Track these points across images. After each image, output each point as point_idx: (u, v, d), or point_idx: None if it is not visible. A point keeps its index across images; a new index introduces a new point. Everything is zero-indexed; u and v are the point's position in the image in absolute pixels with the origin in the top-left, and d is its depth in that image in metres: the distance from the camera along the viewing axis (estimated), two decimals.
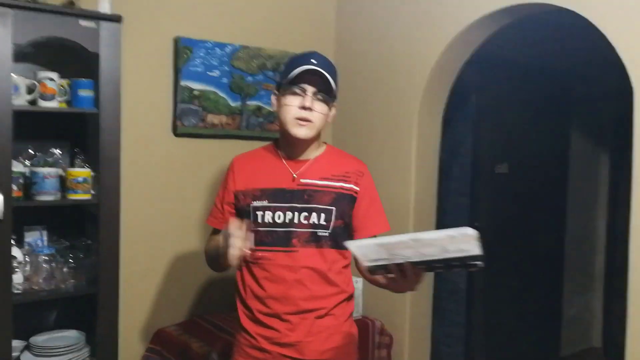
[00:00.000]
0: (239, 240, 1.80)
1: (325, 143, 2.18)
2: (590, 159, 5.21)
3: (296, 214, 2.01)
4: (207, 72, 3.19)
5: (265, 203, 2.02)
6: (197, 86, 3.15)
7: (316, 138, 2.08)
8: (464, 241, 1.43)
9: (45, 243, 2.70)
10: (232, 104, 3.28)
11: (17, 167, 2.50)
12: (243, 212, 2.07)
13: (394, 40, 3.39)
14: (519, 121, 4.38)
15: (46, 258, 2.60)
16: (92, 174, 2.60)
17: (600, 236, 5.30)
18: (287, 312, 2.01)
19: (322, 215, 2.01)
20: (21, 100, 2.48)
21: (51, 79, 2.53)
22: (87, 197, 2.59)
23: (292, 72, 1.99)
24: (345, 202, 2.05)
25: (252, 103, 3.36)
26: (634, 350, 2.40)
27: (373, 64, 3.51)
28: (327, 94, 2.01)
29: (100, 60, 2.53)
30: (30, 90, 2.51)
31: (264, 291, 2.03)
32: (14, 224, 2.41)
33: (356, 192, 2.07)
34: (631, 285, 2.41)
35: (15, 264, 2.50)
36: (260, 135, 3.38)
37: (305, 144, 2.07)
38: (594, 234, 5.29)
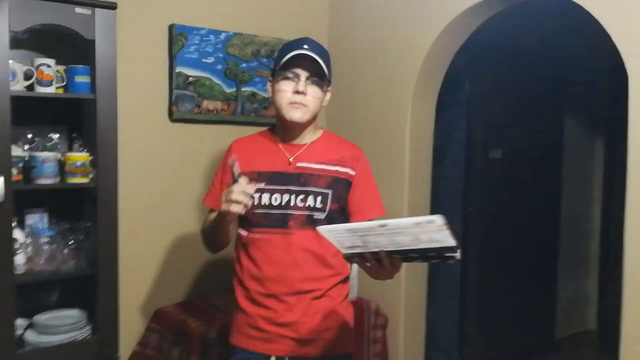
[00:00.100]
0: (243, 188, 1.82)
1: (322, 128, 2.21)
2: (584, 143, 5.22)
3: (292, 196, 2.04)
4: (202, 59, 3.22)
5: (262, 185, 2.05)
6: (192, 72, 3.19)
7: (311, 122, 2.11)
8: (433, 230, 1.42)
9: (46, 225, 2.74)
10: (227, 90, 3.32)
11: (17, 151, 2.53)
12: None
13: (387, 26, 3.40)
14: (513, 107, 4.39)
15: (47, 240, 2.64)
16: (90, 158, 2.64)
17: (595, 220, 5.31)
18: (284, 293, 2.05)
19: (318, 199, 2.04)
20: (19, 87, 2.51)
21: (48, 66, 2.56)
22: (85, 180, 2.63)
23: (284, 57, 2.02)
24: (341, 186, 2.08)
25: (247, 89, 3.40)
26: (629, 332, 2.41)
27: (367, 50, 3.52)
28: (320, 78, 2.04)
29: (95, 46, 2.55)
30: (27, 76, 2.54)
31: (261, 272, 2.06)
32: (15, 207, 2.45)
33: (352, 177, 2.10)
34: (626, 269, 2.42)
35: (17, 246, 2.54)
36: (255, 121, 3.42)
37: (300, 127, 2.09)
38: (589, 218, 5.30)
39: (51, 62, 2.58)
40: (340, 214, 2.10)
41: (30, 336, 2.61)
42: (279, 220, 2.05)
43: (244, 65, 3.37)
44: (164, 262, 3.25)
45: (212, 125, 3.33)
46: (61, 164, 2.63)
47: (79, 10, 2.50)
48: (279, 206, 2.05)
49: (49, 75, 2.56)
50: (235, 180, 1.82)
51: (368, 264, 1.66)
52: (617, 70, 2.58)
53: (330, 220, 2.05)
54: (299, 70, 2.02)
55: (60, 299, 2.87)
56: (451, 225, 1.40)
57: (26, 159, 2.58)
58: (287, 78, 2.03)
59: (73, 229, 2.76)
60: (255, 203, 2.04)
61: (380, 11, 3.44)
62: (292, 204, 2.04)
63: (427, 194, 3.49)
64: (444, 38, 3.19)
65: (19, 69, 2.51)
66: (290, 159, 2.09)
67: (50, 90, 2.57)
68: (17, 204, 2.47)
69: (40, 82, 2.55)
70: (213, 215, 2.11)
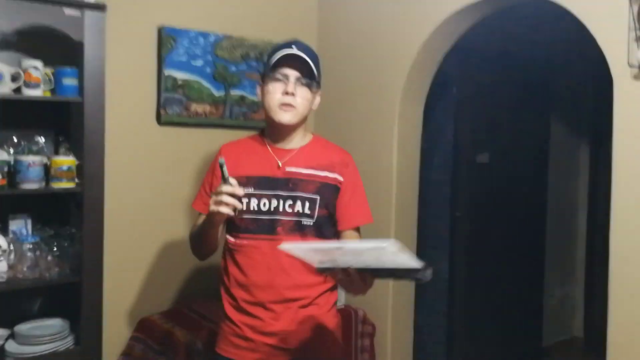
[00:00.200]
0: (233, 189, 1.79)
1: (312, 133, 2.19)
2: (570, 148, 5.25)
3: (281, 201, 2.02)
4: (191, 62, 3.20)
5: (250, 190, 2.02)
6: (180, 75, 3.16)
7: (301, 125, 2.09)
8: (389, 254, 1.45)
9: (30, 231, 2.69)
10: (216, 93, 3.30)
11: (1, 155, 2.50)
12: None
13: (376, 29, 3.40)
14: (500, 111, 4.40)
15: (30, 246, 2.60)
16: (76, 162, 2.60)
17: (581, 226, 5.33)
18: (271, 301, 2.02)
19: (307, 204, 2.02)
20: (5, 89, 2.47)
21: (35, 68, 2.53)
22: (71, 185, 2.59)
23: (273, 58, 2.01)
24: (330, 191, 2.06)
25: (236, 92, 3.38)
26: (616, 339, 2.43)
27: (355, 53, 3.52)
28: (309, 79, 2.03)
29: (84, 48, 2.53)
30: (14, 78, 2.50)
31: (248, 279, 2.03)
32: None
33: (340, 183, 2.08)
34: (612, 275, 2.43)
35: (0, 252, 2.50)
36: (244, 125, 3.40)
37: (290, 130, 2.08)
38: (575, 223, 5.33)
39: (39, 64, 2.54)
40: (329, 220, 2.08)
41: (11, 347, 2.57)
42: (267, 226, 2.02)
43: (233, 68, 3.35)
44: (149, 269, 3.21)
45: (200, 128, 3.30)
46: (47, 168, 2.59)
47: (68, 11, 2.48)
48: (268, 212, 2.02)
49: (37, 78, 2.53)
50: (225, 181, 1.80)
51: (339, 278, 1.67)
52: (603, 76, 2.60)
53: (318, 226, 2.04)
54: (288, 71, 2.01)
55: (42, 307, 2.83)
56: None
57: (11, 163, 2.54)
58: (276, 79, 2.01)
59: (57, 235, 2.72)
60: (244, 208, 2.01)
61: (368, 15, 3.44)
62: (280, 209, 2.02)
63: (415, 199, 3.48)
64: (432, 42, 3.20)
65: (6, 70, 2.48)
66: (280, 164, 2.06)
67: (37, 92, 2.54)
68: (0, 209, 2.43)
69: (28, 85, 2.51)
70: (201, 219, 2.09)
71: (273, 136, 2.11)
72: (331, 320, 2.15)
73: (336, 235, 2.12)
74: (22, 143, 2.66)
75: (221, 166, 1.79)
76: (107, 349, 2.79)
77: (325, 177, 2.07)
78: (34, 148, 2.66)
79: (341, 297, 3.22)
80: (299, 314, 2.05)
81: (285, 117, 2.02)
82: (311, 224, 2.03)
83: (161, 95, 3.12)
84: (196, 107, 3.23)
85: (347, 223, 2.10)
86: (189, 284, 3.33)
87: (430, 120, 3.90)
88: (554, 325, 5.13)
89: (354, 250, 1.57)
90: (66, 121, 2.79)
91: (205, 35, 3.23)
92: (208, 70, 3.26)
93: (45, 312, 2.79)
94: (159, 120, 3.15)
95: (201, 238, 2.05)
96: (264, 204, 2.03)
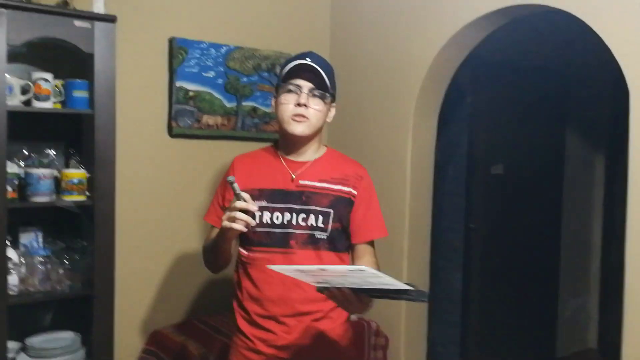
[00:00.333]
0: (246, 205, 1.78)
1: (326, 146, 2.17)
2: (585, 159, 5.20)
3: (294, 215, 2.00)
4: (202, 73, 3.19)
5: (263, 203, 2.00)
6: (192, 87, 3.15)
7: (314, 137, 2.07)
8: (370, 277, 1.52)
9: (41, 244, 2.69)
10: (228, 104, 3.28)
11: (12, 168, 2.50)
12: None
13: (389, 41, 3.39)
14: (514, 122, 4.38)
15: (41, 259, 2.60)
16: (87, 175, 2.60)
17: (596, 237, 5.28)
18: (284, 315, 2.00)
19: (320, 218, 2.00)
20: (15, 101, 2.47)
21: (45, 80, 2.53)
22: (82, 198, 2.59)
23: (285, 69, 2.00)
24: (343, 205, 2.04)
25: (248, 104, 3.36)
26: (630, 351, 2.40)
27: (368, 65, 3.51)
28: (322, 90, 2.01)
29: (94, 60, 2.53)
30: (24, 90, 2.50)
31: (261, 293, 2.01)
32: (9, 225, 2.41)
33: (354, 196, 2.06)
34: (627, 287, 2.41)
35: (10, 265, 2.49)
36: (256, 136, 3.39)
37: (303, 142, 2.05)
38: (590, 235, 5.28)
39: (49, 76, 2.54)
40: (342, 233, 2.05)
41: None
42: (280, 239, 2.00)
43: (244, 79, 3.33)
44: (161, 282, 3.20)
45: (212, 140, 3.29)
46: (57, 181, 2.58)
47: (78, 23, 2.48)
48: (281, 225, 2.00)
49: (47, 90, 2.52)
50: (237, 197, 1.78)
51: (337, 298, 1.69)
52: (619, 86, 2.58)
53: (331, 239, 2.02)
54: (301, 82, 1.98)
55: (53, 320, 2.82)
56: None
57: (22, 175, 2.53)
58: (289, 91, 1.99)
59: (69, 248, 2.71)
60: (257, 221, 1.98)
61: (381, 26, 3.43)
62: (293, 222, 2.00)
63: (429, 210, 3.46)
64: (446, 53, 3.18)
65: (16, 83, 2.48)
66: (293, 176, 2.04)
67: (47, 105, 2.54)
68: (11, 222, 2.42)
69: (38, 97, 2.51)
70: (215, 232, 2.06)
71: (286, 148, 2.09)
72: (344, 333, 2.12)
73: (350, 248, 2.10)
74: (33, 156, 2.66)
75: (231, 184, 1.78)
76: None
77: (339, 190, 2.04)
78: (45, 161, 2.66)
79: None
80: (312, 327, 2.02)
81: (298, 128, 1.99)
82: (325, 237, 2.00)
83: (172, 107, 3.11)
84: (208, 119, 3.22)
85: (361, 237, 2.08)
86: (201, 296, 3.32)
87: (445, 131, 3.89)
88: (568, 337, 5.08)
89: (335, 271, 1.63)
90: (77, 134, 2.79)
91: (216, 46, 3.22)
92: (220, 81, 3.24)
93: (57, 325, 2.78)
94: (171, 132, 3.14)
95: (214, 252, 2.03)
96: (277, 217, 2.00)
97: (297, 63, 1.98)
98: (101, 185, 2.57)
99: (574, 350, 5.17)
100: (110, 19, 2.55)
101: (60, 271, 2.62)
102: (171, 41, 3.11)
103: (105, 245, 2.60)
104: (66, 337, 2.71)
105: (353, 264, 2.08)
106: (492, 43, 3.33)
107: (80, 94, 2.58)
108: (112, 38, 2.56)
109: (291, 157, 2.08)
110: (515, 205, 4.46)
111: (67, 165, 2.71)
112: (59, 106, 2.59)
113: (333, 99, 2.08)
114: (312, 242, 2.00)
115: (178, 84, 3.10)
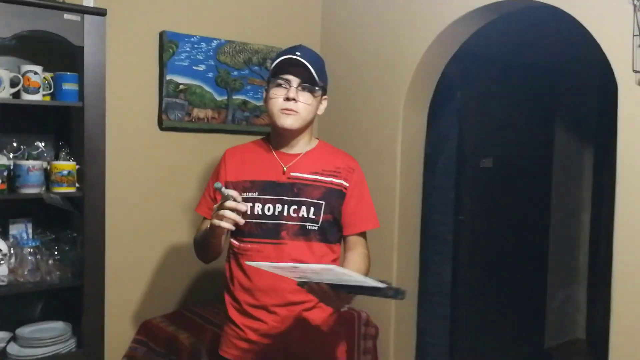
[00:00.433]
0: (235, 205, 1.79)
1: (317, 139, 2.18)
2: (574, 153, 5.23)
3: (286, 206, 2.01)
4: (193, 67, 3.19)
5: (255, 195, 2.02)
6: (182, 80, 3.15)
7: (305, 130, 2.08)
8: (339, 274, 1.59)
9: (30, 235, 2.69)
10: (218, 98, 3.29)
11: (2, 160, 2.50)
12: None
13: (380, 35, 3.39)
14: (504, 116, 4.40)
15: (31, 250, 2.59)
16: (76, 167, 2.60)
17: (584, 229, 5.31)
18: (274, 304, 2.01)
19: (312, 209, 2.02)
20: (5, 94, 2.47)
21: (35, 72, 2.52)
22: (71, 190, 2.59)
23: (275, 63, 2.01)
24: (335, 197, 2.05)
25: (238, 97, 3.37)
26: (618, 341, 2.43)
27: (359, 59, 3.51)
28: (311, 84, 2.02)
29: (84, 53, 2.52)
30: (13, 83, 2.50)
31: (252, 283, 2.03)
32: None
33: (345, 188, 2.07)
34: (615, 277, 2.43)
35: (0, 256, 2.49)
36: (246, 130, 3.40)
37: (294, 135, 2.07)
38: (578, 227, 5.31)
39: (38, 69, 2.53)
40: (333, 225, 2.07)
41: (13, 349, 2.56)
42: (271, 230, 2.02)
43: (235, 73, 3.34)
44: (152, 272, 3.20)
45: (202, 134, 3.29)
46: (47, 173, 2.58)
47: (68, 16, 2.47)
48: (272, 216, 2.02)
49: (36, 83, 2.52)
50: (227, 199, 1.79)
51: (316, 293, 1.72)
52: (607, 80, 2.60)
53: (323, 230, 2.04)
54: (290, 77, 2.00)
55: (44, 311, 2.82)
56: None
57: (11, 167, 2.53)
58: (278, 85, 2.01)
59: (58, 239, 2.72)
60: (248, 212, 2.00)
61: (372, 20, 3.43)
62: (285, 214, 2.01)
63: (419, 203, 3.48)
64: (436, 47, 3.19)
65: (6, 75, 2.47)
66: (285, 168, 2.06)
67: (37, 97, 2.53)
68: (0, 213, 2.42)
69: (27, 90, 2.51)
70: (206, 224, 2.08)
71: (278, 141, 2.11)
72: (334, 323, 2.14)
73: (341, 240, 2.12)
74: (22, 148, 2.66)
75: (219, 189, 1.80)
76: (109, 352, 2.77)
77: (331, 182, 2.06)
78: (34, 153, 2.66)
79: None
80: (303, 316, 2.04)
81: (287, 121, 2.00)
82: (316, 228, 2.02)
83: (163, 100, 3.11)
84: (198, 112, 3.23)
85: (353, 228, 2.10)
86: (191, 287, 3.33)
87: (434, 125, 3.90)
88: (556, 327, 5.12)
89: (308, 269, 1.66)
90: (67, 126, 2.79)
91: (207, 40, 3.23)
92: (210, 75, 3.25)
93: (48, 316, 2.78)
94: (161, 125, 3.15)
95: (204, 245, 2.05)
96: (269, 209, 2.02)
97: (286, 57, 1.99)
98: (91, 177, 2.56)
99: (563, 340, 5.23)
100: (100, 12, 2.53)
101: (50, 262, 2.62)
102: (162, 35, 3.11)
103: (94, 236, 2.59)
104: (56, 327, 2.71)
105: (345, 255, 2.10)
106: (482, 37, 3.34)
107: (69, 86, 2.58)
108: (102, 31, 2.54)
109: (283, 150, 2.10)
110: (505, 198, 4.48)
111: (56, 158, 2.70)
112: (48, 99, 2.58)
113: (324, 92, 2.10)
114: (303, 233, 2.01)
115: (168, 77, 3.10)
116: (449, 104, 4.15)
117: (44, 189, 2.56)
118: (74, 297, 2.67)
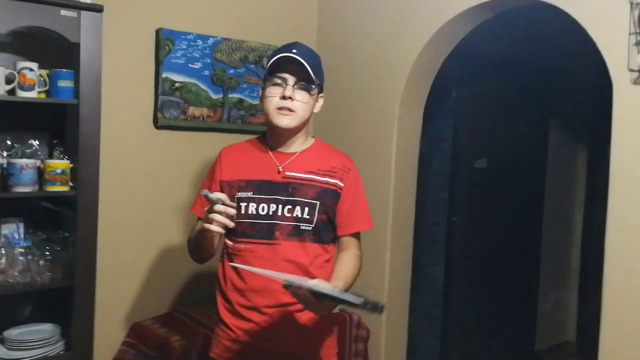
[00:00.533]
0: (224, 209, 1.79)
1: (314, 137, 2.18)
2: (568, 154, 5.23)
3: (280, 206, 2.00)
4: (189, 64, 3.17)
5: (249, 194, 2.01)
6: (178, 78, 3.13)
7: (301, 129, 2.08)
8: (316, 285, 1.69)
9: (22, 235, 2.66)
10: (214, 96, 3.27)
11: None
12: None
13: (376, 34, 3.38)
14: (499, 116, 4.38)
15: (22, 251, 2.57)
16: (70, 165, 2.57)
17: (577, 231, 5.32)
18: (266, 305, 2.01)
19: (306, 209, 2.01)
20: (0, 91, 2.44)
21: (30, 69, 2.49)
22: (65, 189, 2.56)
23: (271, 61, 2.00)
24: (329, 197, 2.04)
25: (234, 96, 3.35)
26: (608, 344, 2.43)
27: (355, 57, 3.50)
28: (307, 82, 2.01)
29: (80, 50, 2.49)
30: (9, 80, 2.47)
31: (245, 284, 2.02)
32: None
33: (340, 188, 2.06)
34: (606, 280, 2.44)
35: None
36: (242, 128, 3.38)
37: (290, 134, 2.06)
38: (571, 228, 5.32)
39: (34, 65, 2.51)
40: (328, 225, 2.06)
41: (0, 352, 2.53)
42: (265, 230, 2.01)
43: (231, 71, 3.32)
44: (143, 274, 3.18)
45: (197, 132, 3.27)
46: (40, 171, 2.55)
47: (64, 12, 2.44)
48: (266, 216, 2.01)
49: (31, 79, 2.49)
50: (214, 202, 1.79)
51: (299, 297, 1.75)
52: (602, 80, 2.60)
53: (317, 230, 2.03)
54: (286, 75, 1.99)
55: (33, 312, 2.80)
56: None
57: (4, 165, 2.51)
58: (274, 84, 2.00)
59: (50, 239, 2.69)
60: (242, 212, 2.00)
61: (368, 19, 3.42)
62: (279, 213, 2.00)
63: (412, 203, 3.47)
64: (432, 46, 3.18)
65: (1, 72, 2.44)
66: (280, 168, 2.05)
67: (32, 94, 2.50)
68: None
69: (23, 86, 2.48)
70: (200, 224, 2.07)
71: (273, 140, 2.10)
72: (326, 325, 2.13)
73: (335, 240, 2.11)
74: (16, 146, 2.63)
75: (206, 197, 1.80)
76: (98, 354, 2.76)
77: (326, 182, 2.05)
78: (28, 151, 2.63)
79: None
80: (294, 318, 2.03)
81: (283, 121, 2.00)
82: (310, 228, 2.01)
83: (158, 98, 3.09)
84: (194, 111, 3.21)
85: (347, 229, 2.09)
86: (182, 289, 3.31)
87: (429, 124, 3.89)
88: (547, 330, 5.12)
89: (289, 277, 1.74)
90: (61, 124, 2.76)
91: (203, 38, 3.21)
92: (206, 73, 3.23)
93: (37, 317, 2.76)
94: (156, 123, 3.13)
95: (197, 246, 2.04)
96: (263, 209, 2.01)
97: (283, 55, 1.98)
98: (85, 176, 2.54)
99: (553, 343, 5.23)
100: (96, 8, 2.51)
101: (41, 262, 2.60)
102: (158, 32, 3.09)
103: (87, 236, 2.57)
104: (45, 329, 2.68)
105: (338, 255, 2.09)
106: (477, 36, 3.33)
107: (65, 83, 2.55)
108: (98, 28, 2.52)
109: (278, 149, 2.09)
110: (498, 199, 4.47)
111: (50, 156, 2.67)
112: (43, 95, 2.56)
113: (320, 90, 2.09)
114: (297, 233, 2.01)
115: (164, 75, 3.08)
116: (445, 103, 4.14)
117: (37, 187, 2.53)
118: (63, 299, 2.64)
